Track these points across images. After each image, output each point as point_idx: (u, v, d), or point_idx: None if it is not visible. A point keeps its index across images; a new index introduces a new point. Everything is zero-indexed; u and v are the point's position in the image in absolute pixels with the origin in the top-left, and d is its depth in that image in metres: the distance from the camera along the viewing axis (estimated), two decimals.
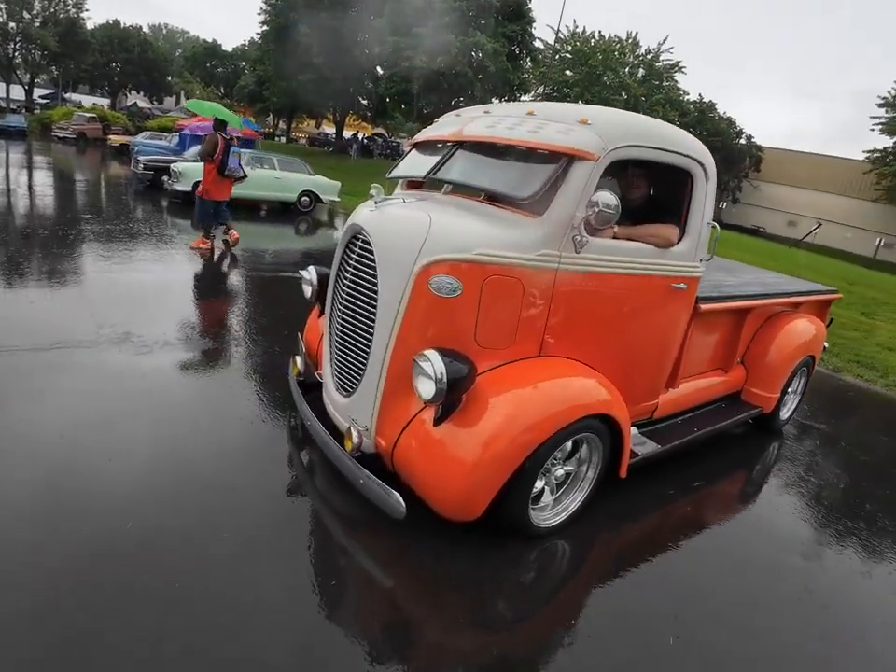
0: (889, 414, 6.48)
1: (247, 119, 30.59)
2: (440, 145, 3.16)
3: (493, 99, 25.85)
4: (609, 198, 2.38)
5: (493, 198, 2.82)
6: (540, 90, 33.08)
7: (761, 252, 17.69)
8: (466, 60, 22.27)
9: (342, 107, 29.96)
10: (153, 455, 2.88)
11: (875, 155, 27.29)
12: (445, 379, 2.19)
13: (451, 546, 2.54)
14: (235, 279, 6.75)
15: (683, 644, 2.27)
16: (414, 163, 3.28)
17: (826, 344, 5.10)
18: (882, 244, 24.33)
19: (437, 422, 2.35)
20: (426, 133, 3.33)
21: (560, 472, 2.68)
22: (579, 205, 2.50)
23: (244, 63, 44.04)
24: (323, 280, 3.37)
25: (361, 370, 2.64)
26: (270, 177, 12.53)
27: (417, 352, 2.40)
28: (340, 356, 2.81)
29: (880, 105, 27.43)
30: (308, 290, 3.44)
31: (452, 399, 2.29)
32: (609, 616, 2.36)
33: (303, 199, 13.28)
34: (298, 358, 3.30)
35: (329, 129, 40.59)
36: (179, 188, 11.19)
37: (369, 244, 2.57)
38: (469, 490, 2.29)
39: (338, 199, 14.32)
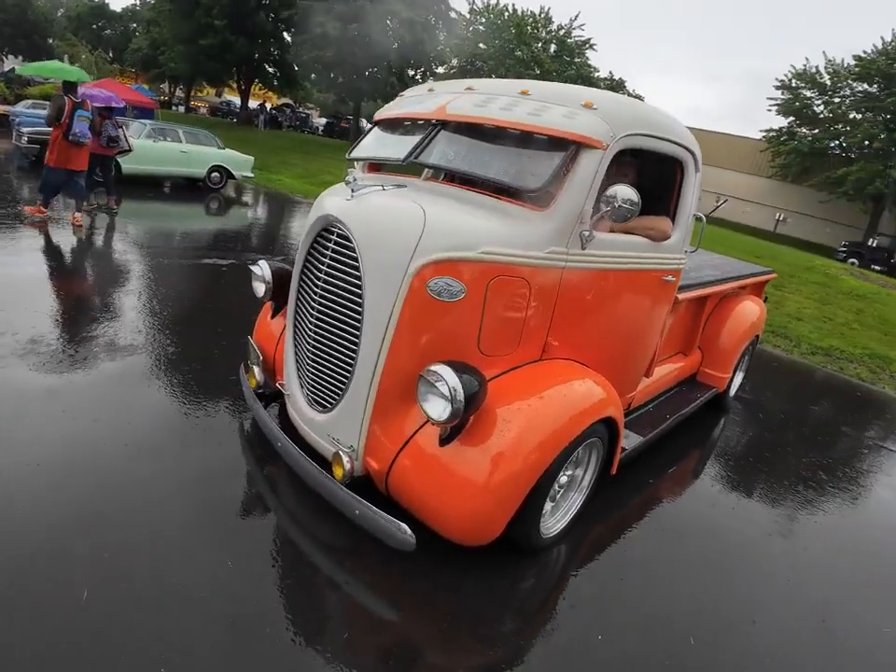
0: (810, 383, 6.94)
1: (140, 85, 28.02)
2: (408, 122, 2.84)
3: (408, 70, 25.13)
4: (628, 193, 2.17)
5: (486, 187, 2.53)
6: (454, 62, 32.58)
7: None
8: (381, 28, 21.38)
9: (246, 75, 28.01)
10: (85, 505, 2.42)
11: (770, 134, 29.27)
12: (461, 397, 1.92)
13: (453, 567, 2.32)
14: (146, 267, 5.99)
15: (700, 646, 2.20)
16: (380, 143, 2.92)
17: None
18: (781, 218, 26.32)
19: (444, 442, 2.09)
20: (393, 110, 2.95)
21: (563, 479, 2.52)
22: (588, 198, 2.28)
23: (135, 25, 40.09)
24: (279, 276, 2.99)
25: (343, 383, 2.32)
26: (174, 151, 11.43)
27: (413, 364, 2.13)
28: (315, 367, 2.46)
29: (777, 88, 29.16)
30: (260, 288, 3.04)
31: (466, 419, 2.04)
32: (631, 616, 2.25)
33: (213, 175, 12.26)
34: (255, 369, 2.90)
35: (233, 98, 37.97)
36: None
37: (348, 239, 2.23)
38: (486, 513, 2.07)
39: (251, 174, 13.37)
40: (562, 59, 33.52)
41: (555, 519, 2.57)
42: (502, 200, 2.40)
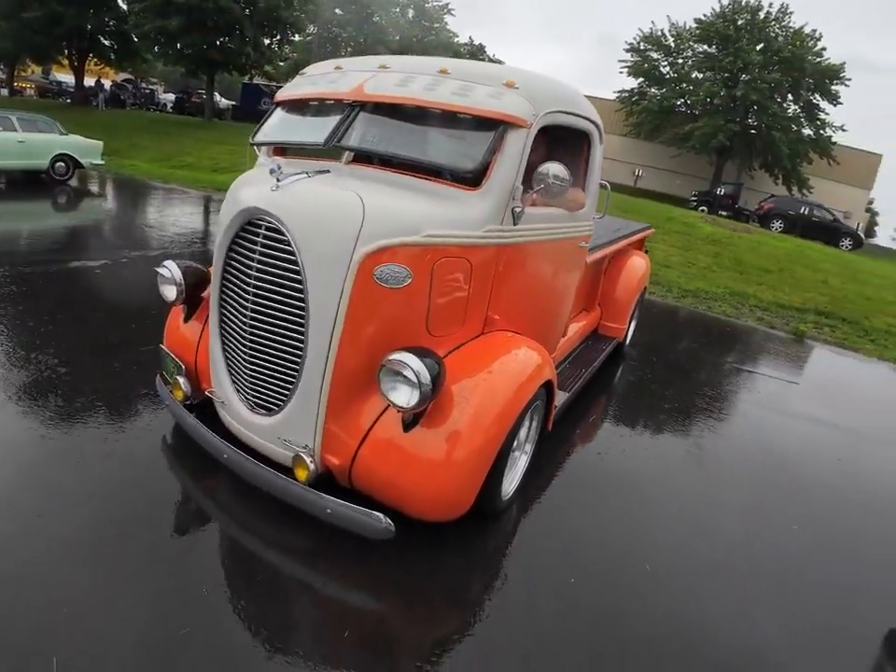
0: (686, 322, 7.73)
1: None
2: (315, 103, 2.73)
3: (264, 38, 23.64)
4: (559, 170, 2.28)
5: (409, 167, 2.50)
6: (312, 28, 31.23)
7: None
8: None
9: (79, 49, 24.83)
10: None
11: (623, 95, 31.18)
12: (429, 381, 1.95)
13: (425, 545, 2.38)
14: (6, 278, 5.25)
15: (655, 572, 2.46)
16: (288, 126, 2.78)
17: None
18: (639, 174, 28.42)
19: (408, 427, 2.11)
20: (298, 89, 2.81)
21: (514, 444, 2.64)
22: (517, 176, 2.36)
23: None
24: (191, 276, 2.79)
25: (290, 382, 2.24)
26: (10, 141, 10.01)
27: (365, 354, 2.13)
28: (255, 369, 2.34)
29: (627, 50, 30.98)
30: (171, 291, 2.81)
31: (432, 402, 2.07)
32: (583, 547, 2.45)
33: (58, 165, 10.91)
34: (180, 380, 2.70)
35: (64, 76, 33.57)
36: None
37: (281, 232, 2.12)
38: (457, 489, 2.16)
39: (101, 161, 12.02)
40: (421, 24, 33.31)
41: (509, 481, 2.69)
42: (431, 181, 2.41)
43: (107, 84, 29.35)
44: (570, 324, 4.04)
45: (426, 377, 1.95)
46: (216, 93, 26.77)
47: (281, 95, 2.89)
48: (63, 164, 10.99)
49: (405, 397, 2.00)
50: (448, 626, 2.13)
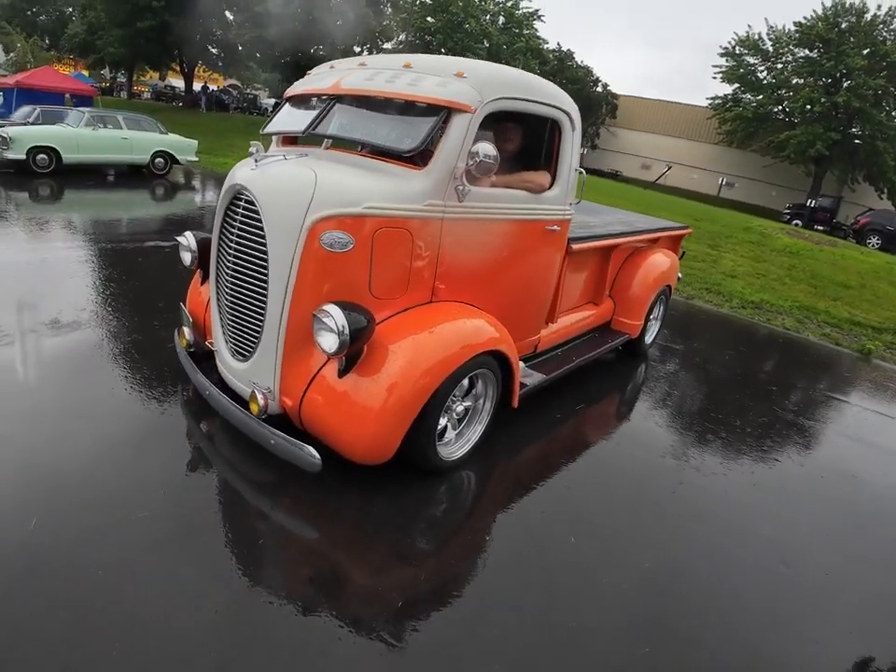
0: (734, 332, 7.37)
1: (80, 73, 27.10)
2: (314, 98, 3.12)
3: (354, 48, 24.90)
4: (488, 148, 2.51)
5: (376, 151, 2.85)
6: (402, 37, 32.35)
7: (620, 195, 19.04)
8: (324, 4, 21.11)
9: (189, 58, 27.37)
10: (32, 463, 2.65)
11: (716, 101, 30.04)
12: (347, 331, 2.25)
13: (368, 491, 2.67)
14: (91, 253, 6.13)
15: (581, 542, 2.61)
16: (290, 118, 3.19)
17: (680, 275, 5.71)
18: (724, 183, 27.31)
19: (342, 374, 2.42)
20: (299, 87, 3.24)
21: (460, 408, 2.87)
22: (460, 156, 2.62)
23: (71, 9, 38.46)
24: (203, 245, 3.25)
25: (258, 332, 2.62)
26: (115, 138, 11.33)
27: (313, 309, 2.44)
28: (233, 321, 2.74)
29: (721, 55, 29.98)
30: (187, 257, 3.30)
31: (354, 350, 2.37)
32: (518, 534, 2.64)
33: (157, 160, 12.17)
34: (185, 329, 3.17)
35: (178, 81, 36.99)
36: (12, 156, 9.84)
37: (253, 203, 2.51)
38: (380, 435, 2.42)
39: (196, 159, 13.27)
40: (511, 31, 33.59)
41: (458, 445, 2.93)
42: (388, 162, 2.72)
43: (214, 89, 31.94)
44: (568, 314, 4.18)
45: (346, 326, 2.25)
46: None
47: (287, 92, 3.32)
48: (161, 160, 12.24)
49: (329, 342, 2.31)
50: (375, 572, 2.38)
